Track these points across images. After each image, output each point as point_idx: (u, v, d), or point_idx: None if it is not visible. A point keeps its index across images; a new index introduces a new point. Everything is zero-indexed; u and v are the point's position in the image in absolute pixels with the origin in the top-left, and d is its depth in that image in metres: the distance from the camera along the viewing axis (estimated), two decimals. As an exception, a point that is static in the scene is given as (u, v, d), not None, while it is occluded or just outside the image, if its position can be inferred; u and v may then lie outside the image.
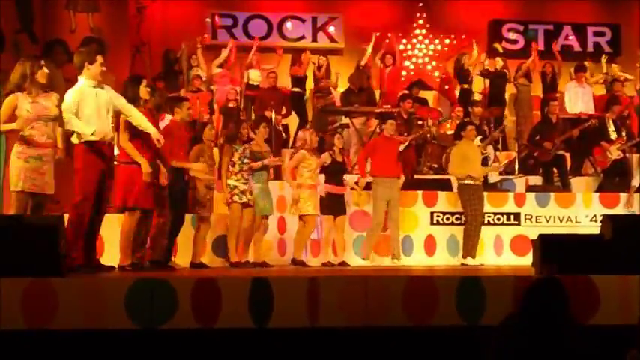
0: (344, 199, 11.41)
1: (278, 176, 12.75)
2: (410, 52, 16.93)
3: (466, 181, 11.35)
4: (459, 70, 15.91)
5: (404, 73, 16.42)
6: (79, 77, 8.14)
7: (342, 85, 15.58)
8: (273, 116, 14.03)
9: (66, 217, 7.65)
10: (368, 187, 11.70)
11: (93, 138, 7.96)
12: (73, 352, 6.09)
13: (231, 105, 14.43)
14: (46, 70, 8.06)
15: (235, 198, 10.44)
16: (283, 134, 14.93)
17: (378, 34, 15.60)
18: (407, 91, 15.14)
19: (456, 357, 6.14)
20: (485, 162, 12.36)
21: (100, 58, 8.16)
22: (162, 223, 9.23)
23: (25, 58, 8.29)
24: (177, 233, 9.96)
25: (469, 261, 11.20)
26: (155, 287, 6.19)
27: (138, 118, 8.35)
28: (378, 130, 13.73)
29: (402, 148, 12.17)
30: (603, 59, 16.30)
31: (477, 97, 15.62)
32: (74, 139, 8.02)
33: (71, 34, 13.45)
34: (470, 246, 11.29)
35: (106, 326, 6.11)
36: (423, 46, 17.12)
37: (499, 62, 15.63)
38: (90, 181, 7.97)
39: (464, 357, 5.92)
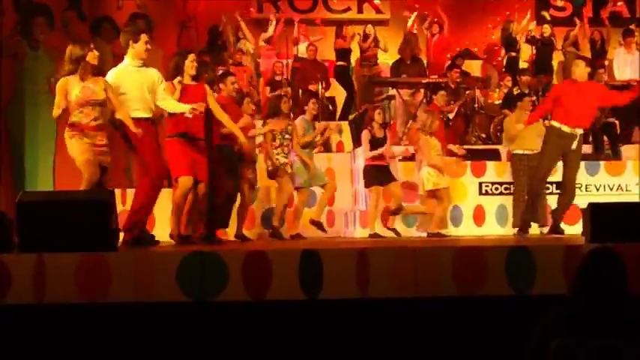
0: (389, 169, 11.36)
1: (328, 148, 12.80)
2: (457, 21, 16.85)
3: (516, 151, 11.30)
4: (506, 37, 15.77)
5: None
6: (125, 56, 8.24)
7: (392, 52, 15.53)
8: (320, 89, 14.05)
9: (117, 191, 7.74)
10: (411, 158, 11.70)
11: (142, 115, 8.06)
12: (126, 325, 6.19)
13: (277, 79, 14.46)
14: (96, 52, 8.11)
15: (284, 170, 10.53)
16: (330, 107, 14.96)
17: (415, 13, 15.53)
18: (454, 61, 15.07)
19: (506, 327, 6.14)
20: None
21: (144, 37, 8.23)
22: (213, 195, 9.35)
23: (75, 41, 8.33)
24: (232, 205, 10.07)
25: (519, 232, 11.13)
26: (206, 260, 6.25)
27: (169, 107, 8.45)
28: (425, 100, 13.69)
29: (450, 117, 12.14)
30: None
31: (524, 65, 15.50)
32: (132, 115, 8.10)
33: (118, 10, 13.56)
34: (517, 216, 11.22)
35: (158, 299, 6.18)
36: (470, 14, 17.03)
37: (547, 30, 15.47)
38: (154, 156, 8.22)
39: (514, 327, 5.91)
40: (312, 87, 13.87)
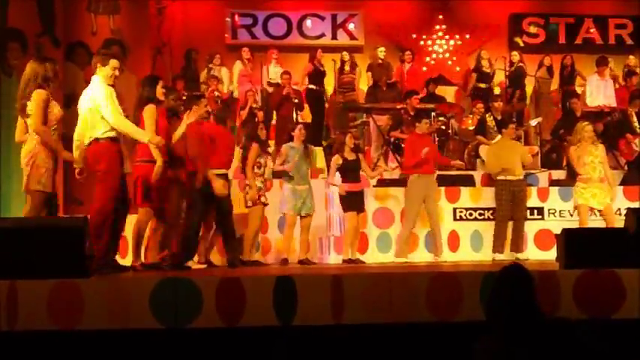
0: (362, 196, 11.35)
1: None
2: (430, 48, 16.97)
3: (499, 177, 11.28)
4: (478, 66, 15.85)
5: (424, 69, 16.44)
6: (92, 77, 8.11)
7: (364, 77, 15.60)
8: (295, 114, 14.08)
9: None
10: (392, 183, 11.67)
11: (112, 134, 7.92)
12: (99, 353, 6.13)
13: (251, 105, 14.49)
14: (56, 66, 8.07)
15: (262, 199, 10.53)
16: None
17: (384, 49, 15.68)
18: (424, 87, 15.13)
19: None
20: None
21: (113, 62, 8.06)
22: (178, 225, 9.29)
23: (36, 59, 8.15)
24: (198, 234, 10.00)
25: (497, 256, 11.13)
26: (179, 287, 6.22)
27: (130, 131, 8.16)
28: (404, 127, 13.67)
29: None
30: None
31: (497, 90, 15.59)
32: (99, 135, 7.91)
33: (92, 36, 13.51)
34: (495, 242, 11.24)
35: (131, 326, 6.14)
36: (444, 41, 17.13)
37: (515, 56, 15.61)
38: (115, 180, 7.92)
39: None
40: (285, 112, 13.85)
